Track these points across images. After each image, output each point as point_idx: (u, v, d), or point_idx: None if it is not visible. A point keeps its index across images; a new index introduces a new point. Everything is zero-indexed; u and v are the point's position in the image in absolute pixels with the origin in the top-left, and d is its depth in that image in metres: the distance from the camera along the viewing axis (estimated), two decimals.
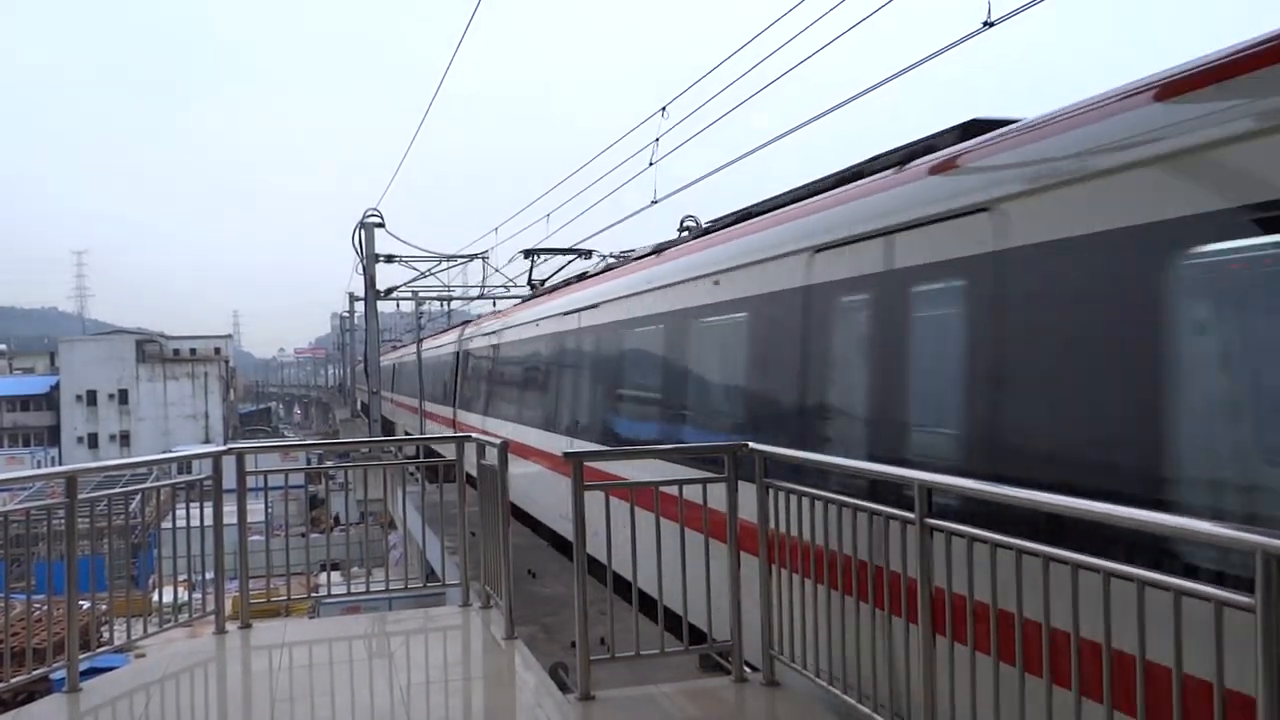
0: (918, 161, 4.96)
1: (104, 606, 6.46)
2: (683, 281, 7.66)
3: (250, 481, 6.51)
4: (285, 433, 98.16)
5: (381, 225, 23.10)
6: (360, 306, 29.32)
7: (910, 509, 3.66)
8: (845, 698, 4.18)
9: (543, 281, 18.76)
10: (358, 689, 5.20)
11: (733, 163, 10.81)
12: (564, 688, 5.12)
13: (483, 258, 26.13)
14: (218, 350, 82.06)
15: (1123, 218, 3.39)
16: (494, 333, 16.45)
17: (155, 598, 6.62)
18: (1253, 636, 2.28)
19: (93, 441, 72.88)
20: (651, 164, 12.87)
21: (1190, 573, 2.91)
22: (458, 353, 20.27)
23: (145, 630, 6.09)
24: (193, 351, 79.63)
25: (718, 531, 5.02)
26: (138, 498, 8.87)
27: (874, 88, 8.18)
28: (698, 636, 5.12)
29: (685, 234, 10.21)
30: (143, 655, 7.10)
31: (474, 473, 6.87)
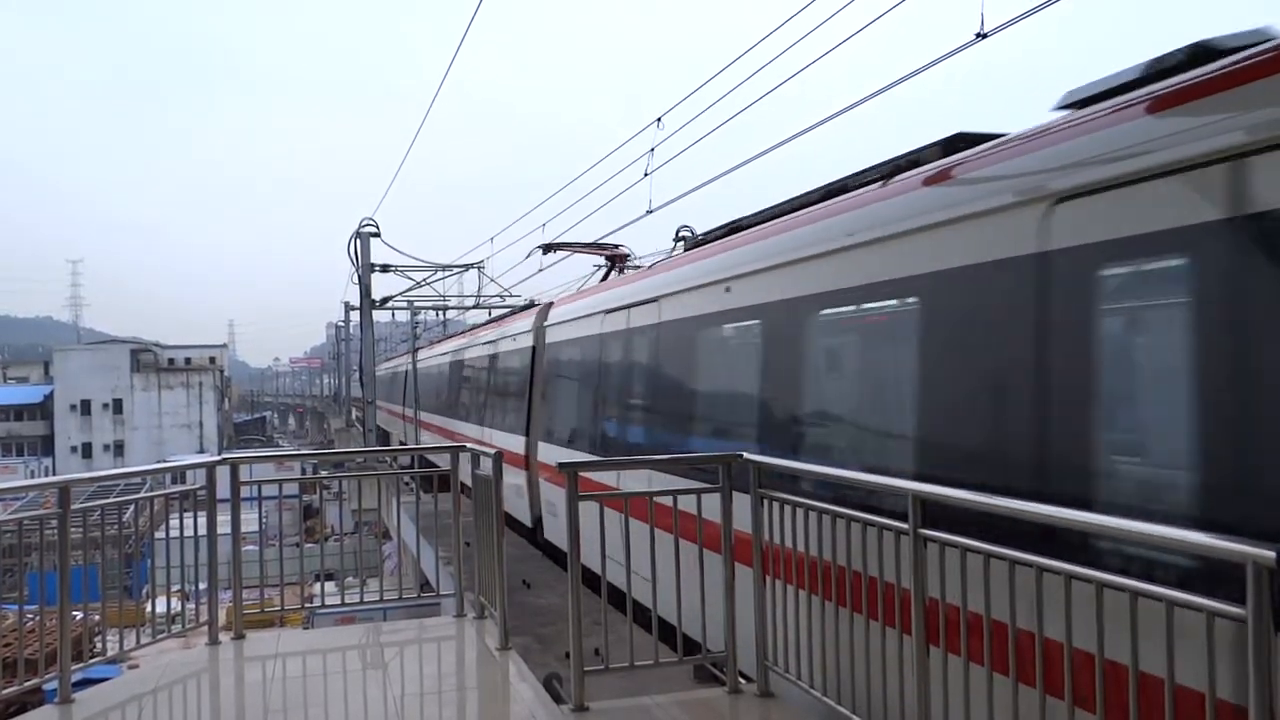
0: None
1: (97, 617, 6.42)
2: (489, 341, 15.87)
3: (244, 491, 6.49)
4: (280, 442, 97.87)
5: (377, 235, 23.06)
6: (356, 316, 29.27)
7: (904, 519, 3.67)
8: (840, 708, 4.17)
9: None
10: (352, 700, 5.18)
11: (725, 174, 10.86)
12: (558, 699, 5.12)
13: (478, 267, 26.08)
14: (213, 360, 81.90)
15: (587, 331, 9.92)
16: (430, 357, 26.39)
17: (149, 608, 6.58)
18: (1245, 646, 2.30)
19: (87, 451, 72.64)
20: (647, 174, 12.88)
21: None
22: (414, 369, 28.64)
23: (138, 641, 6.04)
24: (187, 361, 79.49)
25: (712, 542, 5.02)
26: (131, 508, 8.84)
27: (868, 98, 8.23)
28: (692, 647, 5.11)
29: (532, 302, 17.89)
30: (136, 666, 7.05)
31: (469, 482, 6.88)
